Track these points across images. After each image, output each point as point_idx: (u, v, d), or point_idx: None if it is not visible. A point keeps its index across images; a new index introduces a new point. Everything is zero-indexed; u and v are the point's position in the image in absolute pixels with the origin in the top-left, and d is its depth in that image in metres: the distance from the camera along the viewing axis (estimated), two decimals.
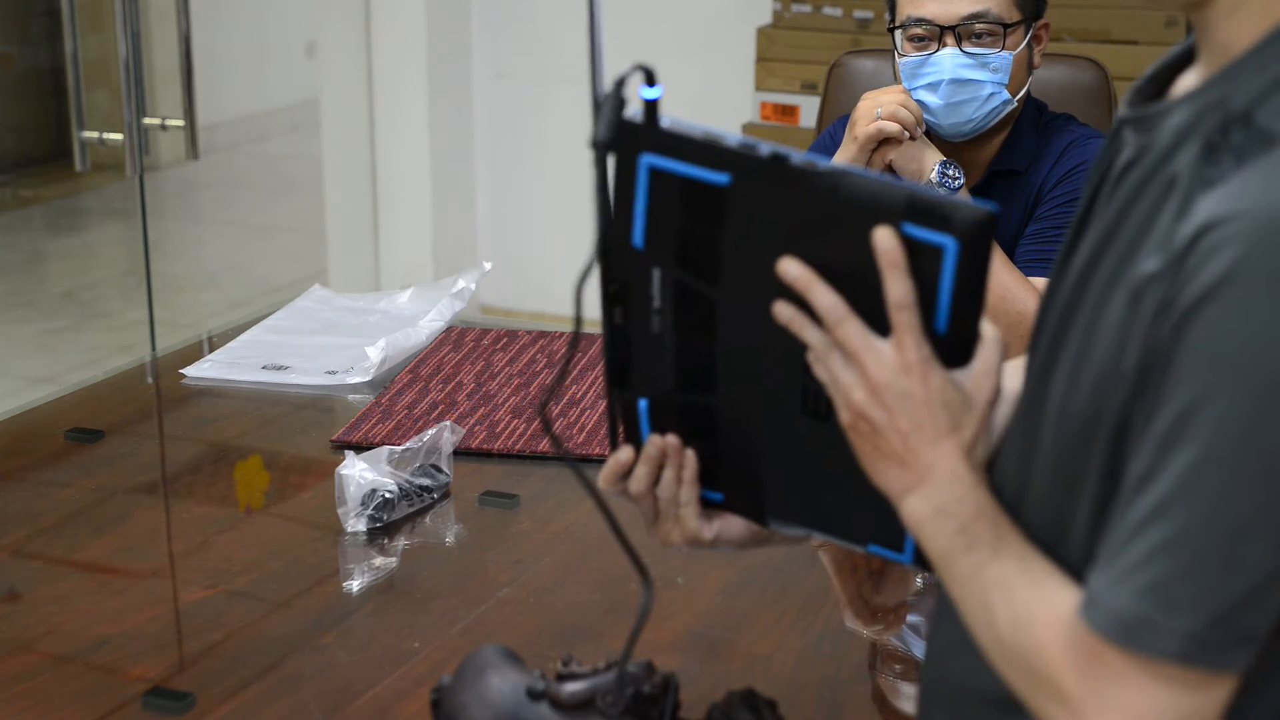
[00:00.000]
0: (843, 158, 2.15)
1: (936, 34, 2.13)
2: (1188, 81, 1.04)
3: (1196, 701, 0.94)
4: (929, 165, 2.12)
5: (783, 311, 1.06)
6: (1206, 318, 0.90)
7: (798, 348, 1.08)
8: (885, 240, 1.02)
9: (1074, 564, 1.02)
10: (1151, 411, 0.93)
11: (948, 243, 1.01)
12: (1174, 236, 0.93)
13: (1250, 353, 0.88)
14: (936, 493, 1.04)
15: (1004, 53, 2.13)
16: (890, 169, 2.15)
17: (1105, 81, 2.47)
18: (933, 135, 2.16)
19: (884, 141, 2.13)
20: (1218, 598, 0.91)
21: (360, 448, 1.89)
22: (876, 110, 2.11)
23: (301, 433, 2.12)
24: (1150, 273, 0.94)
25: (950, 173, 2.12)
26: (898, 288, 1.02)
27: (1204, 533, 0.90)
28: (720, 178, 1.07)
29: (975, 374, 1.06)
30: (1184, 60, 1.07)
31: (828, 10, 3.90)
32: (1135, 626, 0.93)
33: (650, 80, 1.08)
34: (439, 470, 1.84)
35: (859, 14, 3.85)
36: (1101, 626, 0.95)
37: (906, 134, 2.11)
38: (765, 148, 1.06)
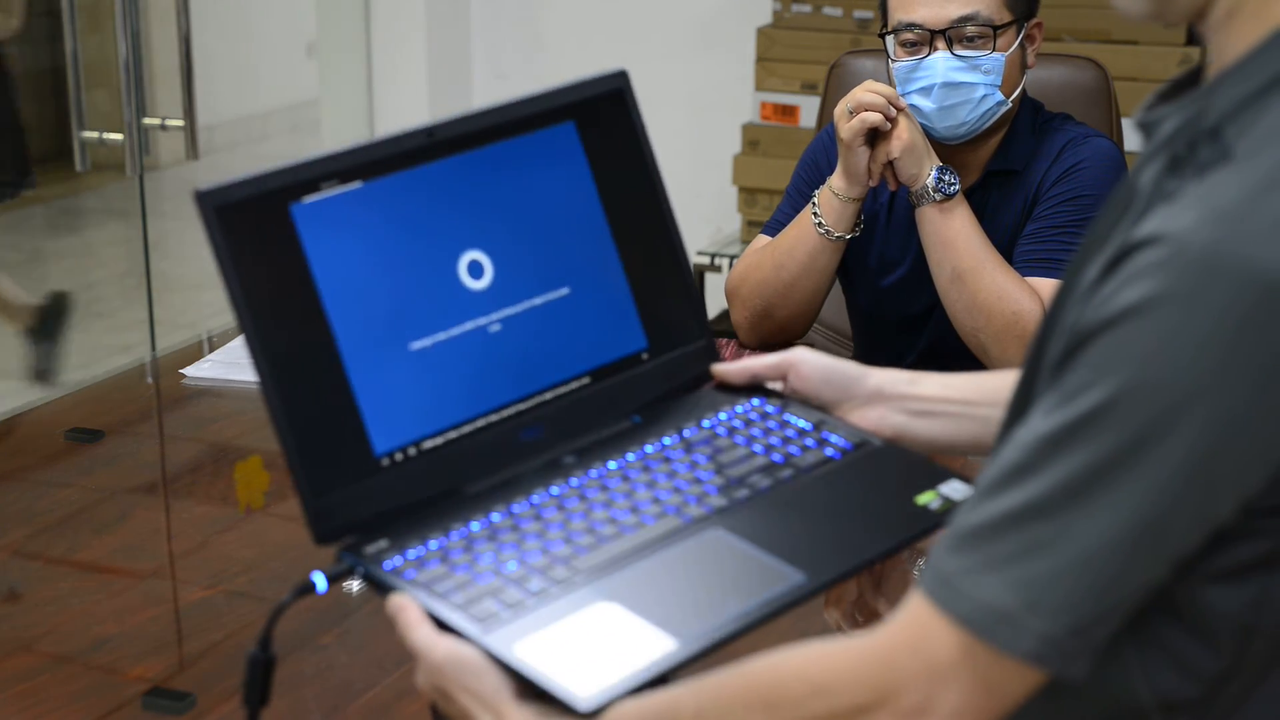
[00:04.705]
0: (842, 168, 2.16)
1: (927, 38, 2.14)
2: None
3: (1013, 699, 0.93)
4: (926, 171, 2.13)
5: None
6: (1118, 334, 0.88)
7: None
8: None
9: None
10: (1046, 408, 0.92)
11: None
12: (1120, 244, 0.91)
13: (1158, 374, 0.86)
14: None
15: (995, 54, 2.13)
16: (892, 170, 2.16)
17: (1105, 81, 2.48)
18: (929, 137, 2.17)
19: (874, 137, 2.14)
20: (1084, 608, 0.90)
21: None
22: (847, 108, 2.12)
23: None
24: (1091, 279, 0.93)
25: (946, 178, 2.14)
26: None
27: (1084, 541, 0.89)
28: None
29: None
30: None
31: (828, 10, 3.89)
32: (999, 620, 0.90)
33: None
34: None
35: (859, 14, 3.85)
36: (962, 613, 0.92)
37: (890, 112, 2.11)
38: None
